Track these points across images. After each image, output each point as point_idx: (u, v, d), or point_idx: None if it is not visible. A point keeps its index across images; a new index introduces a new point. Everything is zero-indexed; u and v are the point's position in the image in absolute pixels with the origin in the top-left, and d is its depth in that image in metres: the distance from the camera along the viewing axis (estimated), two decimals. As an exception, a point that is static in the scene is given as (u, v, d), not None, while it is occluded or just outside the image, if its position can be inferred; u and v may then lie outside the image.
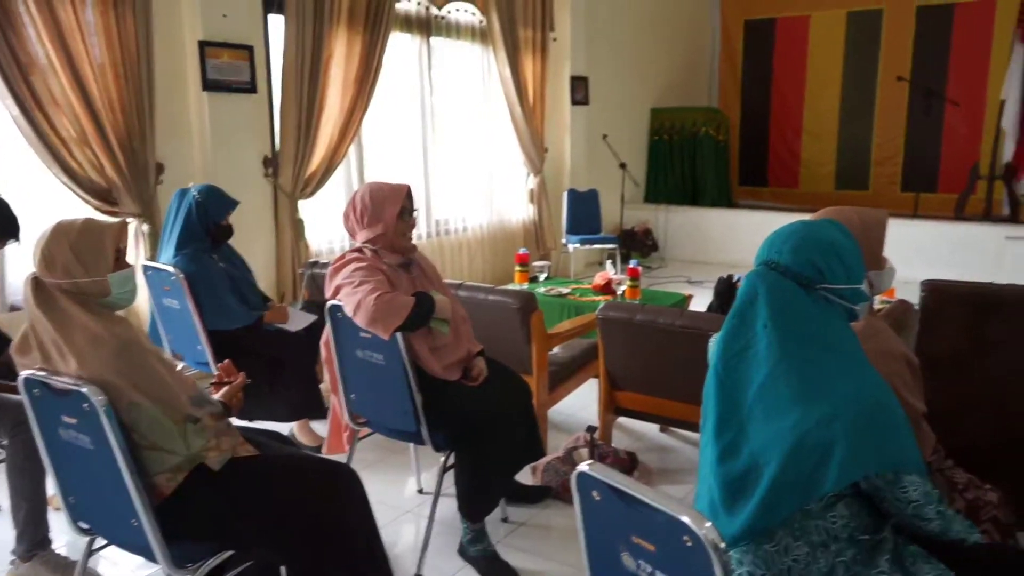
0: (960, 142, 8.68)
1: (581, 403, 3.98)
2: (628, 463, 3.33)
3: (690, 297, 4.80)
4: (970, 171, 7.73)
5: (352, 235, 2.71)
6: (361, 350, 2.63)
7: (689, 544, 1.20)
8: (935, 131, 8.79)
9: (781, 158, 10.03)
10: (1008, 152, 7.34)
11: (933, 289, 2.50)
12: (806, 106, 9.78)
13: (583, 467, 1.37)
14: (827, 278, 1.55)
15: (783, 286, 1.54)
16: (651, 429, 3.84)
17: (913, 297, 2.79)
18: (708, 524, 1.18)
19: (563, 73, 7.78)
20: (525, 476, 3.26)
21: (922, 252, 6.79)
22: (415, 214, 2.74)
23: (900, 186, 9.14)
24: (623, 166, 7.91)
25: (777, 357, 1.50)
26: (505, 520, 3.02)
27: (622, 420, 3.75)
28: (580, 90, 7.95)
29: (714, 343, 1.65)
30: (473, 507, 2.65)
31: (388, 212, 2.61)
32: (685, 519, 1.19)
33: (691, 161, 9.32)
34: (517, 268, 5.04)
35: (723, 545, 1.17)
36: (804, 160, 9.86)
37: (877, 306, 3.97)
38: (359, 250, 2.65)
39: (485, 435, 2.59)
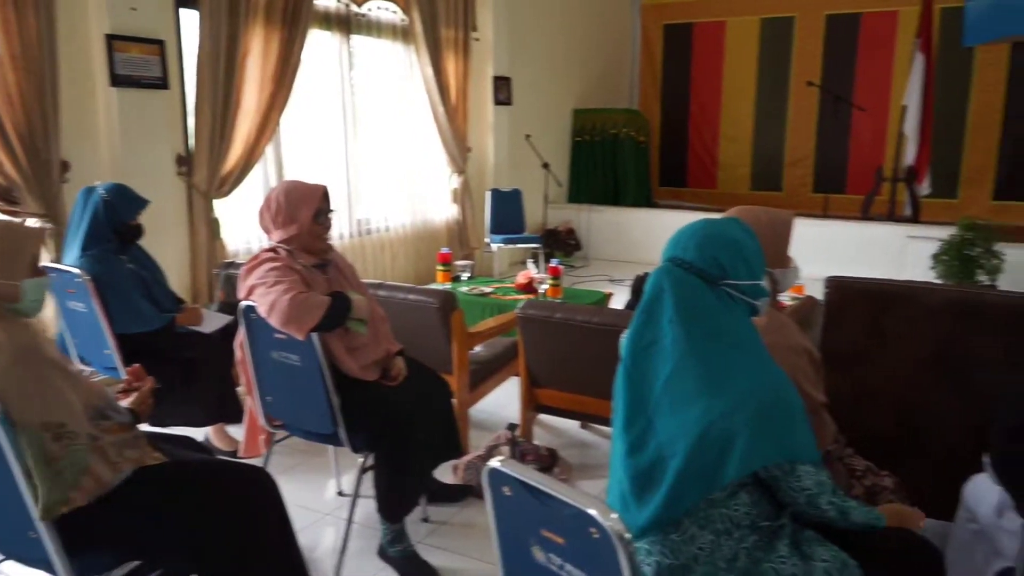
0: (866, 146, 9.06)
1: (503, 401, 4.01)
2: (549, 460, 3.37)
3: (610, 295, 4.88)
4: (875, 173, 8.07)
5: (267, 234, 2.66)
6: (276, 351, 2.59)
7: (596, 536, 1.22)
8: (843, 135, 9.16)
9: (700, 160, 10.29)
10: (910, 156, 7.69)
11: (836, 286, 2.60)
12: (723, 109, 10.05)
13: (494, 463, 1.38)
14: (730, 275, 1.60)
15: (688, 282, 1.59)
16: (572, 426, 3.89)
17: (820, 293, 2.90)
18: (614, 516, 1.21)
19: (486, 73, 7.80)
20: (447, 475, 3.26)
21: (831, 250, 7.07)
22: (332, 215, 2.71)
23: (811, 187, 9.48)
24: (546, 166, 7.98)
25: (682, 352, 1.54)
26: (426, 520, 3.01)
27: (543, 417, 3.78)
28: (503, 90, 7.99)
29: (624, 338, 1.68)
30: (392, 507, 2.63)
31: (303, 214, 2.57)
32: (592, 512, 1.21)
33: (613, 162, 9.46)
34: (439, 268, 5.03)
35: (628, 536, 1.20)
36: (721, 162, 10.13)
37: (788, 302, 4.12)
38: (273, 250, 2.60)
39: (403, 435, 2.58)
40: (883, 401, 2.53)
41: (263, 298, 2.46)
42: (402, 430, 2.57)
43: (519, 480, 1.34)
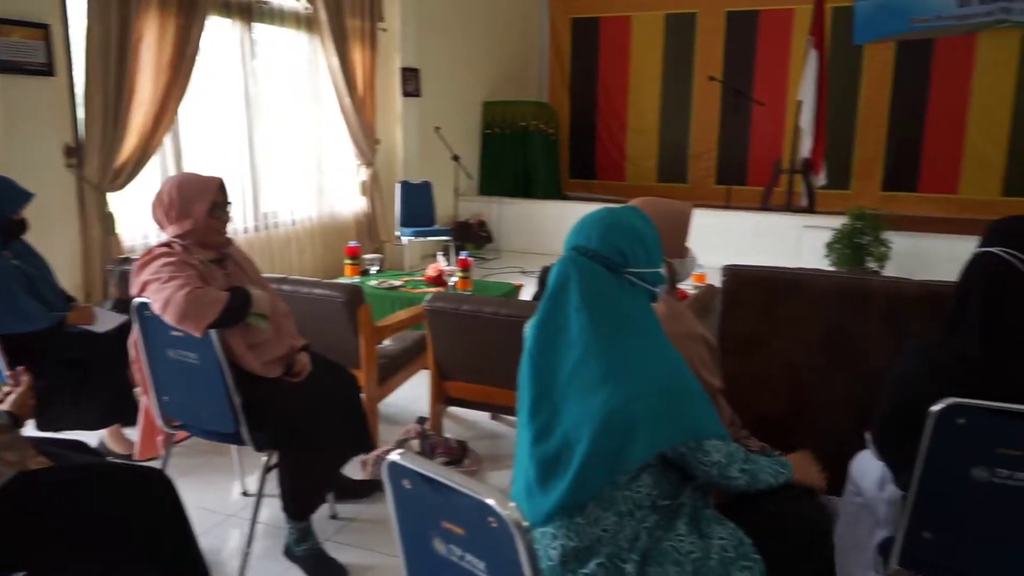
0: (766, 139, 9.41)
1: (413, 395, 3.98)
2: (459, 452, 3.37)
3: (520, 287, 4.91)
4: (774, 166, 8.38)
5: (161, 228, 2.56)
6: (173, 349, 2.50)
7: (495, 525, 1.23)
8: (744, 129, 9.47)
9: (608, 152, 10.46)
10: (806, 149, 8.01)
11: (732, 274, 2.69)
12: (630, 103, 10.24)
13: (393, 457, 1.37)
14: (631, 262, 1.64)
15: (592, 270, 1.62)
16: (482, 417, 3.91)
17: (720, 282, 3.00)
18: (512, 505, 1.22)
19: (393, 64, 7.72)
20: (356, 471, 3.22)
21: (734, 240, 7.31)
22: (229, 208, 2.63)
23: (715, 179, 9.77)
24: (456, 158, 7.96)
25: (588, 338, 1.57)
26: (334, 517, 2.97)
27: (454, 410, 3.78)
28: (411, 82, 7.92)
29: (529, 327, 1.70)
30: (297, 505, 2.59)
31: (197, 208, 2.49)
32: (490, 501, 1.22)
33: (523, 154, 9.52)
34: (347, 261, 4.96)
35: (526, 524, 1.21)
36: (629, 155, 10.33)
37: (690, 291, 4.23)
38: (168, 244, 2.51)
39: (308, 432, 2.53)
40: (777, 384, 2.63)
41: (157, 294, 2.37)
42: (306, 427, 2.53)
43: (418, 473, 1.33)
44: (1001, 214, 2.12)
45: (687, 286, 4.70)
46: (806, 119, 7.90)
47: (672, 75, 9.97)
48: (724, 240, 7.28)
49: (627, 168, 10.34)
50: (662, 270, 1.71)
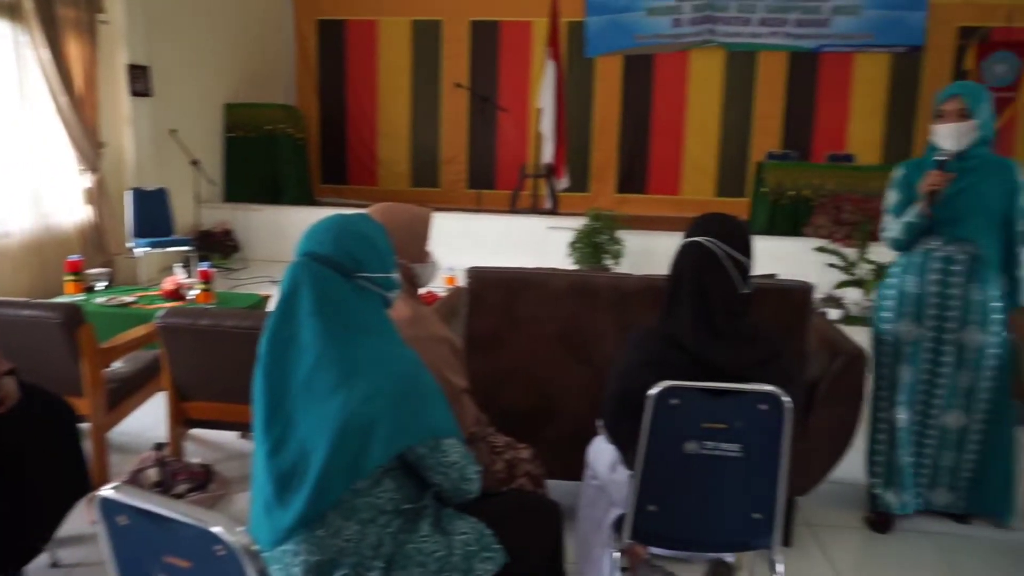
0: (512, 144, 9.82)
1: (151, 420, 3.68)
2: (204, 476, 3.16)
3: (268, 297, 4.72)
4: (520, 170, 8.77)
5: None
6: None
7: (222, 553, 1.16)
8: (491, 134, 9.83)
9: (360, 157, 10.36)
10: (548, 154, 8.48)
11: (476, 276, 2.77)
12: (379, 107, 10.23)
13: (105, 492, 1.25)
14: (364, 267, 1.64)
15: (325, 275, 1.60)
16: (229, 437, 3.69)
17: (467, 284, 3.07)
18: (240, 530, 1.16)
19: (119, 61, 7.07)
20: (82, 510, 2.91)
21: (484, 242, 7.56)
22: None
23: (466, 184, 10.04)
24: (196, 163, 7.48)
25: (322, 344, 1.54)
26: (55, 565, 2.66)
27: (197, 432, 3.54)
28: (141, 80, 7.31)
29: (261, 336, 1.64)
30: (8, 557, 2.28)
31: None
32: (215, 529, 1.15)
33: (270, 159, 9.15)
34: (68, 278, 4.47)
35: (255, 548, 1.16)
36: (381, 159, 10.31)
37: (441, 293, 4.30)
38: None
39: (14, 472, 2.24)
40: (520, 379, 2.75)
41: None
42: (12, 466, 2.24)
43: (134, 507, 1.23)
44: (717, 211, 2.41)
45: (437, 289, 4.78)
46: (547, 126, 8.37)
47: (421, 80, 10.09)
48: (475, 243, 7.50)
49: (379, 173, 10.32)
50: (395, 275, 1.72)
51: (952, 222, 2.70)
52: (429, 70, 10.03)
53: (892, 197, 2.88)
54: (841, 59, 9.34)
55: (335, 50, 10.20)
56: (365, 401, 1.51)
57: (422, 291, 4.19)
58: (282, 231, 8.38)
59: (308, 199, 9.55)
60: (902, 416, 2.89)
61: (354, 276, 1.62)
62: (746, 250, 2.04)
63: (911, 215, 2.75)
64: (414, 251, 2.18)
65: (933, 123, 2.76)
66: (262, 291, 5.20)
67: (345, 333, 1.57)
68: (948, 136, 2.69)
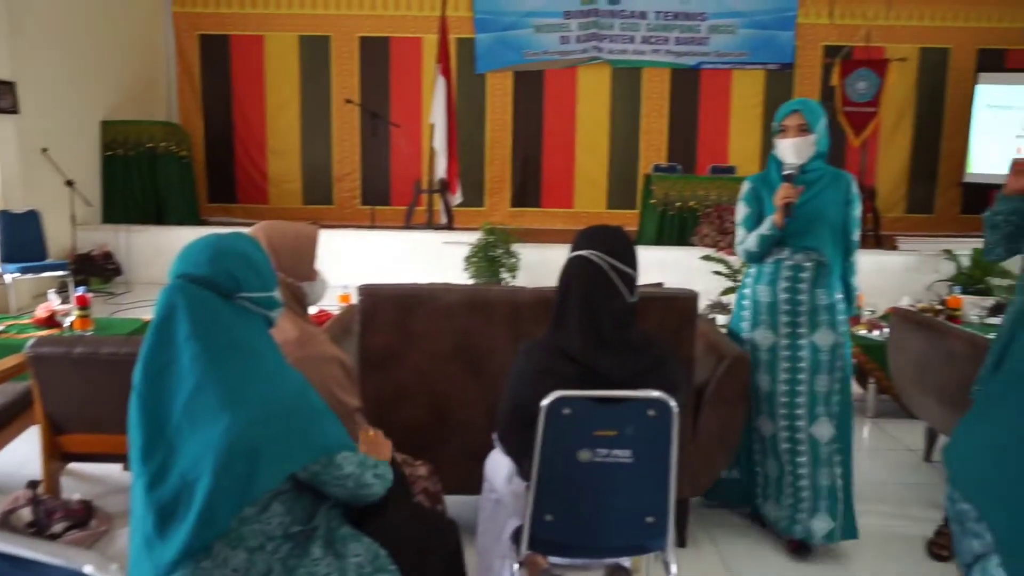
0: (405, 160, 9.79)
1: (23, 456, 3.45)
2: (83, 513, 2.99)
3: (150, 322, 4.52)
4: (414, 186, 8.75)
5: None
6: None
7: (95, 593, 1.10)
8: (384, 150, 9.76)
9: (248, 175, 10.09)
10: (441, 169, 8.50)
11: (368, 293, 2.74)
12: (268, 124, 10.00)
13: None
14: (244, 287, 1.60)
15: (203, 297, 1.55)
16: (113, 470, 3.50)
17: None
18: (114, 567, 1.10)
19: (-20, 76, 6.67)
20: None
21: (380, 258, 7.49)
22: None
23: (360, 200, 9.93)
24: (70, 184, 7.10)
25: (203, 368, 1.49)
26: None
27: (77, 466, 3.35)
28: (6, 96, 6.90)
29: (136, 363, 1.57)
30: None
31: None
32: (88, 569, 1.09)
33: (152, 178, 8.79)
34: (-74, 308, 4.15)
35: (133, 584, 1.11)
36: (271, 177, 10.07)
37: (335, 311, 4.23)
38: None
39: None
40: (416, 396, 2.74)
41: None
42: None
43: (-2, 551, 1.15)
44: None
45: (331, 307, 4.70)
46: (439, 141, 8.39)
47: (310, 96, 9.93)
48: (371, 260, 7.43)
49: (270, 191, 10.08)
50: (276, 294, 1.68)
51: (798, 233, 2.79)
52: (319, 86, 9.88)
53: (742, 211, 2.94)
54: (720, 75, 9.77)
55: (219, 66, 9.91)
56: (251, 424, 1.47)
57: (313, 310, 4.12)
58: (167, 252, 7.94)
59: (195, 219, 9.23)
60: (767, 425, 2.93)
61: (234, 297, 1.58)
62: (631, 262, 2.09)
63: (765, 228, 2.81)
64: (301, 269, 2.14)
65: (776, 138, 2.87)
66: (146, 316, 4.97)
67: (226, 356, 1.52)
68: (791, 150, 2.79)
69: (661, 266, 7.01)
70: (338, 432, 1.61)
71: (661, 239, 7.94)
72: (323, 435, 1.57)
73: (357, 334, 2.78)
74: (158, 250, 8.09)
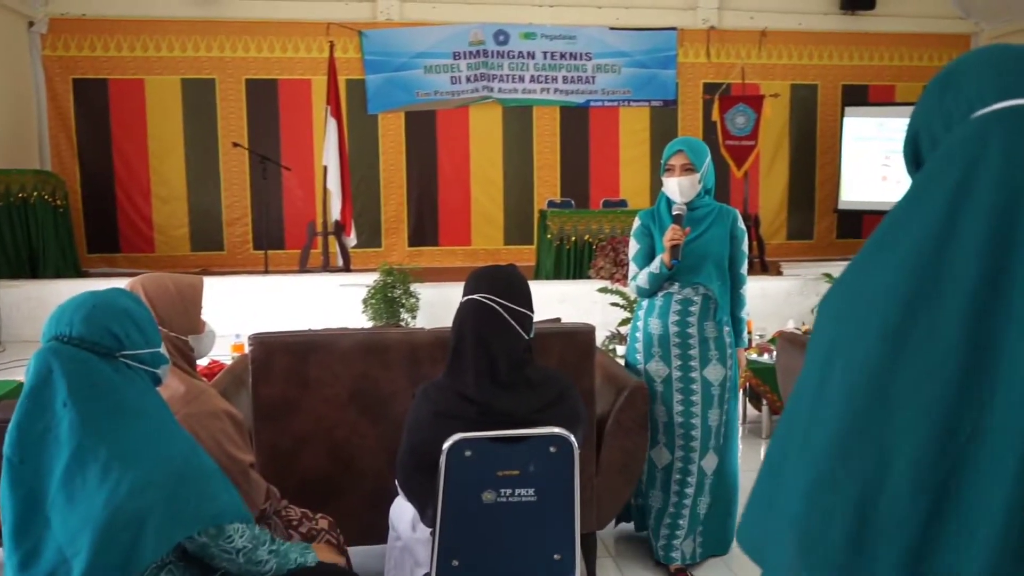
0: (298, 203, 9.60)
1: None
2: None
3: (26, 383, 4.23)
4: (308, 228, 8.59)
5: None
6: None
7: None
8: (276, 193, 9.55)
9: (132, 223, 9.66)
10: (336, 211, 8.38)
11: (259, 342, 2.65)
12: (152, 169, 9.62)
13: None
14: (126, 345, 1.52)
15: (80, 359, 1.46)
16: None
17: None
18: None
19: None
20: None
21: (276, 304, 7.29)
22: None
23: (252, 245, 9.65)
24: (-69, 239, 6.61)
25: (82, 435, 1.40)
26: None
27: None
28: None
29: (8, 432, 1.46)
30: None
31: None
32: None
33: (25, 229, 8.28)
34: None
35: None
36: (157, 224, 9.67)
37: (228, 361, 4.08)
38: None
39: None
40: (315, 446, 2.65)
41: None
42: None
43: None
44: (504, 261, 2.45)
45: (224, 357, 4.53)
46: (332, 183, 8.28)
47: (196, 140, 9.63)
48: (266, 306, 7.22)
49: (156, 238, 9.67)
50: (162, 350, 1.60)
51: (687, 269, 2.89)
52: (205, 130, 9.61)
53: (634, 247, 3.03)
54: (608, 112, 10.07)
55: (96, 111, 9.49)
56: (133, 493, 1.38)
57: (205, 361, 3.96)
58: (45, 307, 7.50)
59: (74, 271, 8.74)
60: (663, 456, 2.98)
61: (115, 356, 1.50)
62: (523, 301, 2.10)
63: (655, 267, 2.89)
64: (186, 322, 2.06)
65: (663, 176, 2.97)
66: (21, 376, 4.66)
67: (108, 420, 1.44)
68: (678, 189, 2.89)
69: (560, 300, 7.12)
70: (230, 499, 1.53)
71: (559, 273, 8.05)
72: (213, 503, 1.49)
73: (250, 385, 2.68)
74: (35, 305, 7.62)
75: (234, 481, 1.95)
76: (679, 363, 2.93)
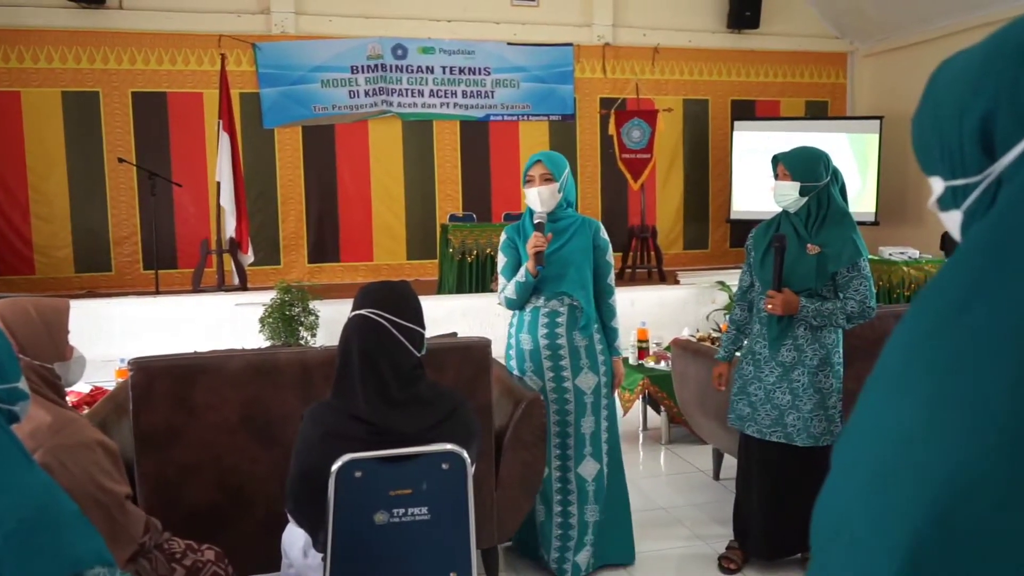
0: (191, 220, 9.26)
1: None
2: None
3: None
4: (201, 246, 8.29)
5: None
6: None
7: None
8: (167, 211, 9.18)
9: (10, 243, 9.10)
10: (230, 228, 8.12)
11: (139, 367, 2.53)
12: (31, 187, 9.09)
13: None
14: None
15: None
16: None
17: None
18: None
19: None
20: None
21: (168, 326, 6.98)
22: None
23: (142, 265, 9.25)
24: None
25: None
26: None
27: None
28: None
29: None
30: None
31: None
32: None
33: None
34: None
35: None
36: (37, 245, 9.14)
37: (112, 388, 3.88)
38: None
39: None
40: (203, 473, 2.55)
41: None
42: None
43: None
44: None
45: (108, 383, 4.31)
46: (226, 199, 8.03)
47: (79, 156, 9.16)
48: (157, 328, 6.92)
49: (36, 260, 9.13)
50: (21, 384, 1.49)
51: (551, 279, 2.95)
52: (89, 145, 9.15)
53: (502, 260, 3.07)
54: (507, 126, 10.15)
55: (-32, 126, 8.93)
56: None
57: (85, 388, 3.75)
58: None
59: (-57, 296, 8.16)
60: (544, 469, 3.00)
61: None
62: (414, 316, 2.07)
63: (521, 276, 2.94)
64: (51, 349, 1.94)
65: (524, 187, 3.02)
66: None
67: None
68: (538, 198, 2.95)
69: (463, 313, 7.10)
70: (92, 544, 1.42)
71: (462, 287, 8.03)
72: (71, 549, 1.38)
73: (131, 413, 2.55)
74: None
75: (109, 514, 1.85)
76: (551, 375, 2.98)
